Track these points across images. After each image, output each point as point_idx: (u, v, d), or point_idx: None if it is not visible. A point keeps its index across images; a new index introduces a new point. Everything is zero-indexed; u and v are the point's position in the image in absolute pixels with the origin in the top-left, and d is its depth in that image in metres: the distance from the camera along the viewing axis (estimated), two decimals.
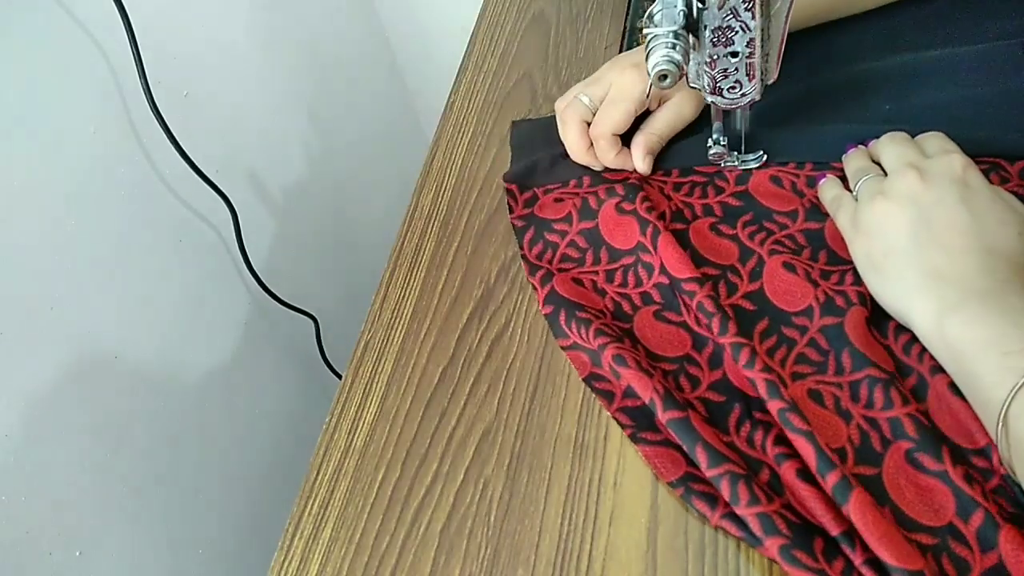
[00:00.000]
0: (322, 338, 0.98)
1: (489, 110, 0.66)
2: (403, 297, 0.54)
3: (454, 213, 0.59)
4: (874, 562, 0.34)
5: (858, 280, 0.44)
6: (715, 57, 0.45)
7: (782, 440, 0.39)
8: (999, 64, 0.52)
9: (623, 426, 0.43)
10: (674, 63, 0.43)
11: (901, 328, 0.42)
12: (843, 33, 0.59)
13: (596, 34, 0.71)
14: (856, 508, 0.35)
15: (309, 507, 0.45)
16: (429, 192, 0.61)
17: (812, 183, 0.51)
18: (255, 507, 0.86)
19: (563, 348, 0.48)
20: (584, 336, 0.46)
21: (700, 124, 0.56)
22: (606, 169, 0.56)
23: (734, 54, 0.45)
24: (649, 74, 0.43)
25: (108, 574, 0.65)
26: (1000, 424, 0.34)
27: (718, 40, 0.44)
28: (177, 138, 0.71)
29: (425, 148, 0.65)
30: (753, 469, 0.39)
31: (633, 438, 0.42)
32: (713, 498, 0.39)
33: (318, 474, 0.47)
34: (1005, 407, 0.34)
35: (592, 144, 0.55)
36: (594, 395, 0.45)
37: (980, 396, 0.36)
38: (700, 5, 0.43)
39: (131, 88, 0.68)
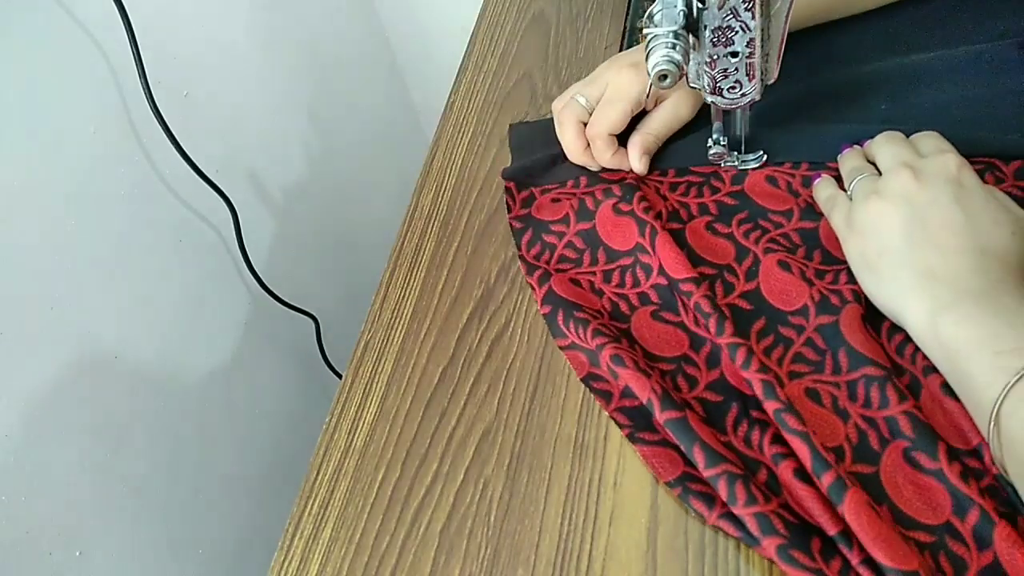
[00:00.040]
0: (322, 338, 0.98)
1: (489, 110, 0.66)
2: (403, 297, 0.54)
3: (454, 213, 0.59)
4: (871, 562, 0.35)
5: (852, 279, 0.44)
6: (715, 57, 0.45)
7: (779, 439, 0.39)
8: (996, 64, 0.52)
9: (621, 426, 0.43)
10: (674, 63, 0.43)
11: (894, 329, 0.42)
12: (841, 33, 0.59)
13: (596, 34, 0.71)
14: (851, 508, 0.35)
15: (309, 507, 0.45)
16: (429, 192, 0.61)
17: (807, 183, 0.51)
18: (255, 507, 0.86)
19: (561, 348, 0.48)
20: (582, 336, 0.46)
21: (696, 124, 0.56)
22: (603, 169, 0.56)
23: (734, 54, 0.45)
24: (649, 74, 0.43)
25: (108, 574, 0.65)
26: (992, 423, 0.34)
27: (718, 40, 0.44)
28: (177, 138, 0.71)
29: (425, 148, 0.65)
30: (751, 469, 0.39)
31: (631, 438, 0.42)
32: (711, 498, 0.39)
33: (318, 474, 0.47)
34: (997, 406, 0.34)
35: (589, 144, 0.55)
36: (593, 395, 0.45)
37: (973, 395, 0.36)
38: (700, 5, 0.43)
39: (131, 88, 0.68)
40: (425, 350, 0.51)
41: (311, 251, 1.01)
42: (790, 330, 0.44)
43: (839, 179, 0.48)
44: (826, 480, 0.36)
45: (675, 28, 0.43)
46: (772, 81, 0.47)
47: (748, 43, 0.44)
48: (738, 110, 0.49)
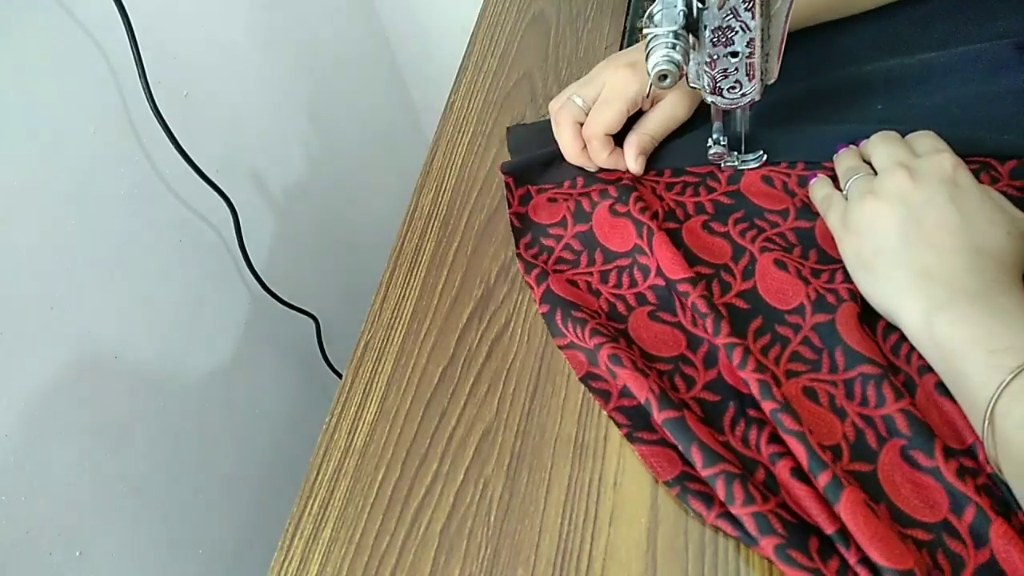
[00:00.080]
0: (322, 338, 0.98)
1: (489, 110, 0.66)
2: (403, 297, 0.54)
3: (454, 213, 0.59)
4: (868, 561, 0.35)
5: (848, 278, 0.44)
6: (715, 57, 0.45)
7: (776, 439, 0.40)
8: (992, 64, 0.52)
9: (619, 425, 0.43)
10: (674, 63, 0.43)
11: (889, 328, 0.42)
12: (841, 33, 0.59)
13: (596, 34, 0.71)
14: (847, 507, 0.35)
15: (309, 507, 0.45)
16: (429, 192, 0.61)
17: (803, 183, 0.51)
18: (255, 507, 0.86)
19: (560, 347, 0.48)
20: (580, 335, 0.46)
21: (693, 124, 0.56)
22: (600, 170, 0.56)
23: (734, 54, 0.45)
24: (649, 74, 0.43)
25: (108, 574, 0.65)
26: (986, 422, 0.35)
27: (718, 40, 0.44)
28: (177, 138, 0.71)
29: (425, 148, 0.65)
30: (748, 469, 0.40)
31: (629, 437, 0.42)
32: (709, 498, 0.39)
33: (318, 474, 0.47)
34: (992, 405, 0.34)
35: (586, 145, 0.55)
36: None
37: (968, 394, 0.36)
38: (700, 5, 0.43)
39: (131, 88, 0.68)
40: (425, 350, 0.51)
41: (311, 251, 1.01)
42: (787, 329, 0.44)
43: (835, 179, 0.48)
44: (822, 479, 0.36)
45: (675, 28, 0.43)
46: (772, 81, 0.47)
47: (748, 43, 0.44)
48: (738, 110, 0.49)
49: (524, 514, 0.42)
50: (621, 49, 0.68)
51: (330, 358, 1.00)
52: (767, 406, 0.40)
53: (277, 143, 0.95)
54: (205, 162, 0.75)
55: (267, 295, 0.87)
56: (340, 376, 0.52)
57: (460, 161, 0.63)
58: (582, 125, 0.55)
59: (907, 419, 0.38)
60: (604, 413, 0.44)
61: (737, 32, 0.44)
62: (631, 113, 0.54)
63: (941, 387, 0.39)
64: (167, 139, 0.70)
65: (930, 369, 0.39)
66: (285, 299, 0.89)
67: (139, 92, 0.68)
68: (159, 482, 0.72)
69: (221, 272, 0.83)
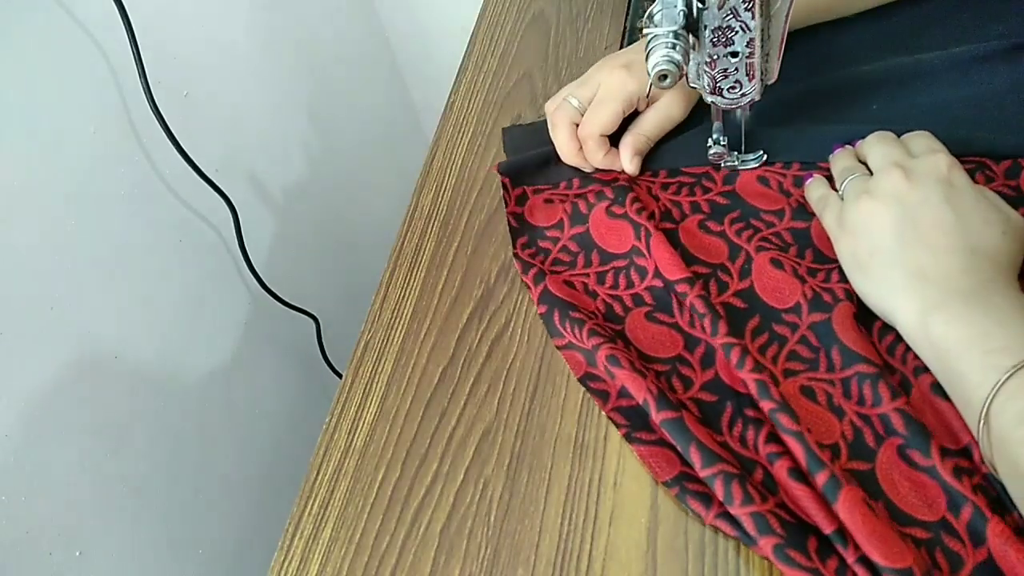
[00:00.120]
0: (322, 338, 0.98)
1: (489, 110, 0.66)
2: (403, 297, 0.54)
3: (454, 213, 0.59)
4: (866, 560, 0.35)
5: (844, 278, 0.44)
6: (715, 57, 0.45)
7: (774, 438, 0.40)
8: (988, 64, 0.52)
9: (618, 425, 0.43)
10: (674, 63, 0.43)
11: (885, 329, 0.43)
12: (838, 34, 0.59)
13: (596, 34, 0.71)
14: (845, 506, 0.35)
15: (309, 507, 0.45)
16: (429, 192, 0.61)
17: (799, 183, 0.51)
18: (255, 507, 0.86)
19: (558, 348, 0.48)
20: (578, 336, 0.46)
21: (688, 124, 0.56)
22: (596, 170, 0.56)
23: (734, 54, 0.45)
24: (649, 74, 0.43)
25: (108, 574, 0.65)
26: (982, 421, 0.35)
27: (718, 40, 0.44)
28: (177, 138, 0.71)
29: (425, 148, 0.65)
30: (747, 469, 0.40)
31: (628, 437, 0.42)
32: (707, 497, 0.39)
33: (318, 474, 0.47)
34: (987, 404, 0.34)
35: (582, 146, 0.55)
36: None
37: (963, 394, 0.36)
38: (700, 5, 0.43)
39: (131, 88, 0.68)
40: (425, 350, 0.51)
41: (311, 251, 1.01)
42: (784, 328, 0.44)
43: (831, 179, 0.48)
44: (821, 478, 0.36)
45: (675, 28, 0.43)
46: (772, 81, 0.47)
47: (748, 43, 0.44)
48: (738, 110, 0.49)
49: (524, 514, 0.42)
50: (621, 49, 0.68)
51: (330, 358, 1.00)
52: (765, 405, 0.40)
53: (277, 143, 0.95)
54: (205, 162, 0.75)
55: (267, 295, 0.87)
56: (340, 376, 0.52)
57: (460, 161, 0.63)
58: (578, 126, 0.55)
59: (903, 418, 0.38)
60: (604, 413, 0.44)
61: (737, 32, 0.44)
62: (627, 114, 0.54)
63: (937, 387, 0.39)
64: (167, 139, 0.70)
65: (926, 369, 0.40)
66: (285, 299, 0.89)
67: (139, 92, 0.68)
68: (159, 482, 0.72)
69: (221, 272, 0.83)
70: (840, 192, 0.46)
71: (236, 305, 0.86)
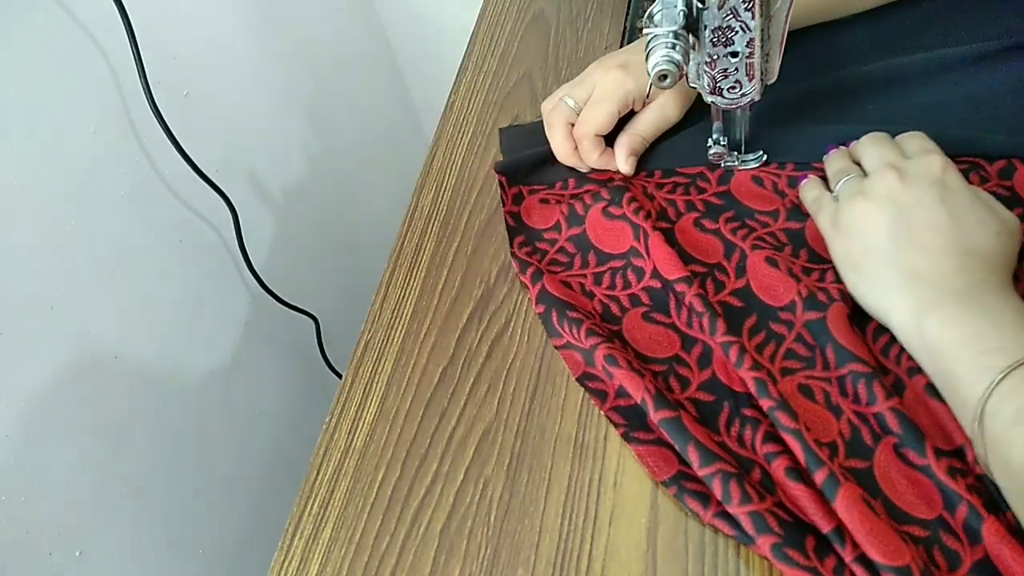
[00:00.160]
0: (322, 338, 0.98)
1: (489, 110, 0.66)
2: (403, 297, 0.54)
3: (454, 213, 0.59)
4: (864, 559, 0.35)
5: (839, 278, 0.44)
6: (715, 57, 0.45)
7: (771, 438, 0.40)
8: (986, 64, 0.52)
9: (616, 425, 0.43)
10: (674, 63, 0.43)
11: (879, 330, 0.43)
12: (837, 34, 0.59)
13: (596, 34, 0.71)
14: (843, 504, 0.35)
15: (309, 507, 0.45)
16: (429, 192, 0.61)
17: (793, 183, 0.51)
18: (255, 507, 0.86)
19: (557, 347, 0.48)
20: (576, 335, 0.46)
21: (683, 125, 0.57)
22: (592, 170, 0.56)
23: (734, 54, 0.45)
24: (649, 74, 0.43)
25: (108, 574, 0.65)
26: (976, 422, 0.35)
27: (718, 40, 0.44)
28: (177, 138, 0.71)
29: (425, 148, 0.65)
30: (745, 468, 0.40)
31: (626, 437, 0.42)
32: (706, 497, 0.39)
33: (318, 474, 0.47)
34: (981, 405, 0.34)
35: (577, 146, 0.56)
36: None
37: (957, 394, 0.36)
38: (700, 5, 0.43)
39: (131, 88, 0.68)
40: (425, 350, 0.51)
41: (311, 251, 1.01)
42: (781, 326, 0.45)
43: (825, 179, 0.48)
44: (819, 476, 0.37)
45: (675, 28, 0.43)
46: (772, 81, 0.47)
47: (748, 43, 0.44)
48: (738, 110, 0.49)
49: (524, 514, 0.42)
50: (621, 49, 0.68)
51: (330, 358, 1.00)
52: (764, 404, 0.40)
53: (277, 143, 0.95)
54: (205, 162, 0.75)
55: (267, 295, 0.87)
56: (340, 376, 0.52)
57: (460, 161, 0.63)
58: (574, 126, 0.55)
59: (898, 417, 0.38)
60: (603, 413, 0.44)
61: (737, 32, 0.44)
62: (622, 114, 0.54)
63: (930, 388, 0.39)
64: (167, 139, 0.70)
65: (920, 370, 0.40)
66: (285, 299, 0.89)
67: (139, 92, 0.68)
68: (159, 482, 0.72)
69: (221, 272, 0.83)
70: (835, 193, 0.46)
71: (236, 305, 0.86)
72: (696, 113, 0.56)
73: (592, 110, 0.54)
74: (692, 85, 0.48)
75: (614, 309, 0.48)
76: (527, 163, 0.58)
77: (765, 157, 0.53)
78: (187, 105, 0.78)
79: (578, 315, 0.47)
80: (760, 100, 0.48)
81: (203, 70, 0.80)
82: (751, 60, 0.45)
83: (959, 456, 0.37)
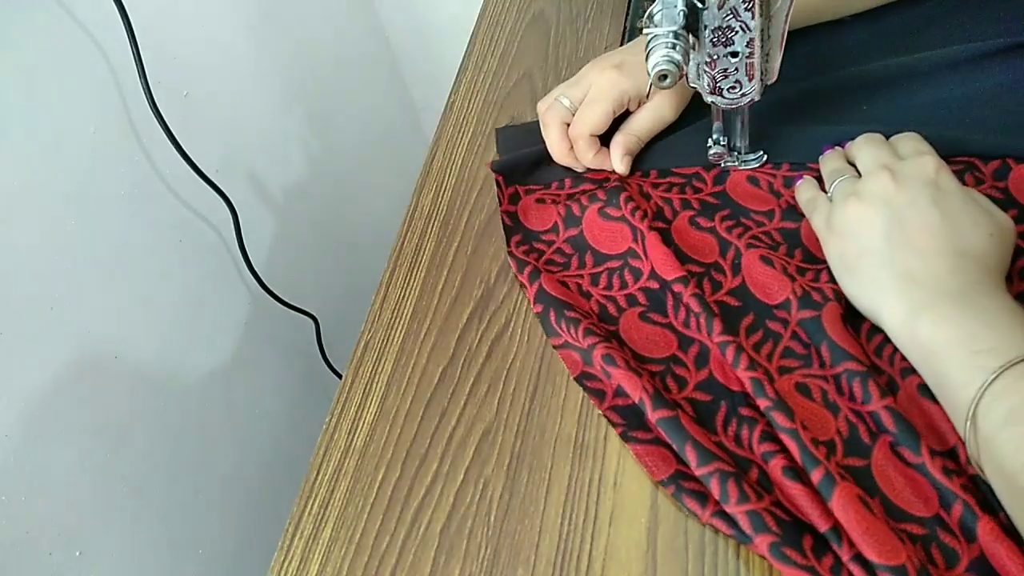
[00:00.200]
0: (322, 338, 0.98)
1: (489, 110, 0.66)
2: (403, 297, 0.54)
3: (454, 213, 0.59)
4: (861, 558, 0.35)
5: (833, 279, 0.44)
6: (715, 57, 0.45)
7: (768, 437, 0.40)
8: (985, 64, 0.52)
9: (614, 424, 0.43)
10: (674, 63, 0.43)
11: (873, 330, 0.43)
12: (836, 34, 0.59)
13: (596, 34, 0.71)
14: (839, 503, 0.36)
15: (309, 507, 0.45)
16: (429, 192, 0.61)
17: (789, 184, 0.51)
18: (255, 507, 0.86)
19: (555, 347, 0.48)
20: (574, 335, 0.46)
21: (679, 125, 0.57)
22: (587, 170, 0.56)
23: (734, 54, 0.45)
24: (649, 74, 0.43)
25: (108, 574, 0.65)
26: (968, 422, 0.35)
27: (718, 40, 0.44)
28: (177, 138, 0.71)
29: (425, 148, 0.65)
30: (742, 467, 0.40)
31: (624, 436, 0.43)
32: (703, 496, 0.39)
33: (318, 474, 0.47)
34: (974, 405, 0.34)
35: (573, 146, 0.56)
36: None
37: (950, 395, 0.37)
38: (700, 5, 0.43)
39: (131, 88, 0.68)
40: (425, 350, 0.51)
41: (311, 251, 1.01)
42: (777, 324, 0.45)
43: (821, 179, 0.48)
44: (816, 476, 0.37)
45: (675, 28, 0.43)
46: (772, 81, 0.47)
47: (748, 43, 0.44)
48: (738, 110, 0.49)
49: (524, 514, 0.42)
50: None
51: (330, 358, 1.00)
52: (761, 403, 0.40)
53: (277, 143, 0.95)
54: (205, 162, 0.75)
55: (267, 295, 0.87)
56: (340, 376, 0.52)
57: (460, 161, 0.63)
58: (569, 126, 0.55)
59: (893, 416, 0.39)
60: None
61: (737, 32, 0.44)
62: (617, 114, 0.54)
63: (924, 389, 0.39)
64: (167, 139, 0.70)
65: (913, 371, 0.40)
66: (285, 299, 0.89)
67: (139, 92, 0.68)
68: (159, 482, 0.72)
69: (221, 272, 0.83)
70: (829, 194, 0.46)
71: (236, 305, 0.86)
72: (692, 113, 0.57)
73: (587, 110, 0.54)
74: (692, 85, 0.48)
75: (611, 309, 0.49)
76: (524, 162, 0.58)
77: (765, 157, 0.53)
78: (187, 105, 0.78)
79: (576, 315, 0.47)
80: (760, 100, 0.48)
81: (203, 70, 0.80)
82: (751, 60, 0.45)
83: (952, 457, 0.38)
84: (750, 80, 0.46)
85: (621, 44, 0.69)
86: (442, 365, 0.49)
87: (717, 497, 0.38)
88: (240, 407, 0.85)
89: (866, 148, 0.46)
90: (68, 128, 0.64)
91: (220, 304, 0.83)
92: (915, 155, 0.43)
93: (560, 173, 0.57)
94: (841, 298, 0.43)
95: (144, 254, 0.72)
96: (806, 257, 0.47)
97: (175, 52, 0.76)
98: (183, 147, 0.72)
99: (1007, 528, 0.35)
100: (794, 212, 0.49)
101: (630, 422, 0.43)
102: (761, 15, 0.43)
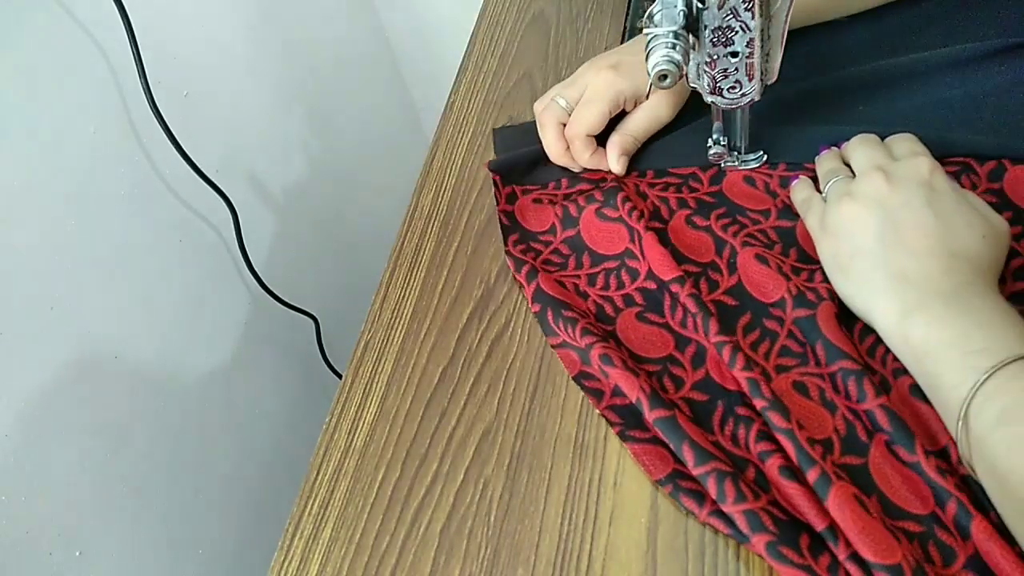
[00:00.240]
0: (322, 338, 0.98)
1: (489, 110, 0.66)
2: (403, 297, 0.54)
3: (454, 213, 0.59)
4: (857, 557, 0.35)
5: (827, 279, 0.44)
6: (715, 57, 0.45)
7: (764, 436, 0.40)
8: (984, 64, 0.52)
9: (612, 424, 0.43)
10: (674, 63, 0.43)
11: (865, 331, 0.43)
12: (836, 34, 0.59)
13: (596, 34, 0.71)
14: (835, 502, 0.36)
15: (309, 507, 0.45)
16: (429, 192, 0.61)
17: (785, 183, 0.51)
18: (255, 507, 0.86)
19: (553, 346, 0.48)
20: (572, 334, 0.47)
21: (675, 125, 0.57)
22: (584, 170, 0.56)
23: (734, 54, 0.45)
24: (649, 74, 0.43)
25: (108, 574, 0.65)
26: (960, 422, 0.35)
27: (718, 40, 0.44)
28: (177, 138, 0.71)
29: (425, 148, 0.65)
30: (739, 467, 0.40)
31: (622, 436, 0.43)
32: (701, 495, 0.39)
33: (318, 474, 0.47)
34: (966, 405, 0.35)
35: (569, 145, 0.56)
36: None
37: (942, 395, 0.37)
38: (700, 5, 0.43)
39: (131, 88, 0.68)
40: (425, 350, 0.51)
41: (311, 251, 1.01)
42: (773, 322, 0.45)
43: (816, 180, 0.48)
44: (811, 475, 0.37)
45: (675, 28, 0.43)
46: (772, 81, 0.47)
47: (748, 43, 0.44)
48: (738, 110, 0.49)
49: (524, 514, 0.42)
50: None
51: (330, 358, 1.00)
52: (758, 403, 0.40)
53: (277, 143, 0.95)
54: (205, 162, 0.75)
55: (267, 295, 0.87)
56: (340, 376, 0.52)
57: (460, 161, 0.63)
58: (566, 126, 0.55)
59: (887, 415, 0.39)
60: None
61: (737, 32, 0.44)
62: (613, 114, 0.55)
63: (916, 389, 0.39)
64: (167, 139, 0.70)
65: (905, 371, 0.40)
66: (285, 299, 0.89)
67: (139, 92, 0.68)
68: (159, 482, 0.72)
69: (221, 272, 0.83)
70: (824, 194, 0.46)
71: (236, 305, 0.86)
72: (688, 113, 0.57)
73: (583, 110, 0.54)
74: (692, 85, 0.48)
75: (608, 309, 0.49)
76: (521, 162, 0.58)
77: (765, 157, 0.53)
78: (187, 105, 0.78)
79: (573, 314, 0.47)
80: (760, 100, 0.48)
81: (203, 70, 0.80)
82: (751, 60, 0.45)
83: (944, 457, 0.38)
84: (750, 80, 0.46)
85: (621, 44, 0.69)
86: (442, 365, 0.49)
87: (714, 496, 0.38)
88: (240, 407, 0.85)
89: (861, 149, 0.46)
90: (68, 128, 0.64)
91: (220, 304, 0.83)
92: (909, 156, 0.44)
93: (557, 173, 0.57)
94: (835, 298, 0.44)
95: (144, 254, 0.72)
96: (801, 257, 0.47)
97: (175, 52, 0.76)
98: (183, 147, 0.72)
99: (1000, 527, 0.35)
100: (790, 212, 0.49)
101: (627, 421, 0.43)
102: (761, 15, 0.43)
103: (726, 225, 0.49)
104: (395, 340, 0.52)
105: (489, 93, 0.68)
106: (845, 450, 0.39)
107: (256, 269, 0.84)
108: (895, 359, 0.40)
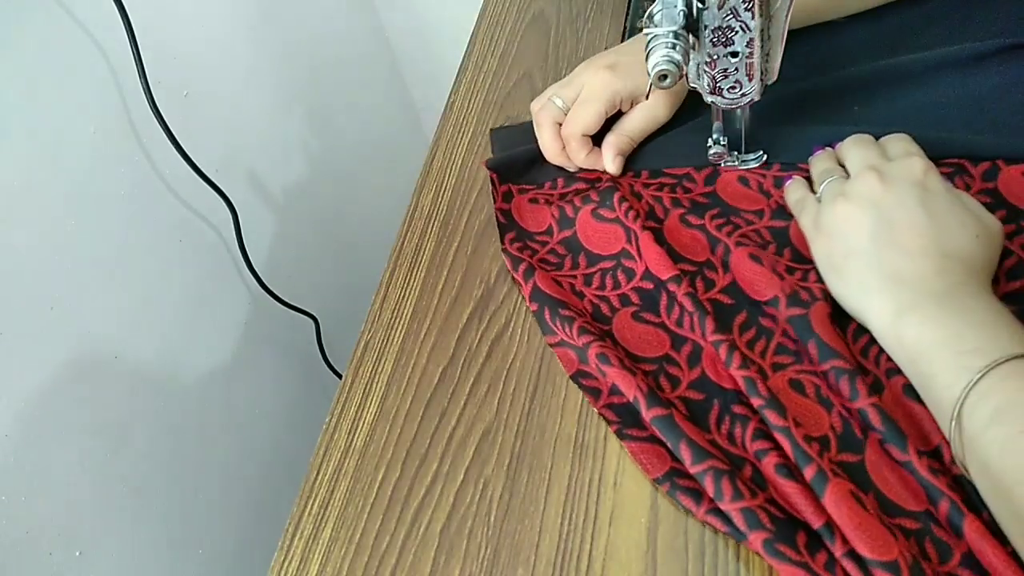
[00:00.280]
0: (322, 338, 0.98)
1: (489, 110, 0.66)
2: (403, 297, 0.54)
3: (454, 213, 0.59)
4: (854, 554, 0.35)
5: (821, 279, 0.44)
6: (715, 57, 0.45)
7: (761, 435, 0.40)
8: (983, 64, 0.52)
9: (609, 422, 0.43)
10: (674, 63, 0.43)
11: (859, 331, 0.43)
12: (836, 34, 0.59)
13: (596, 34, 0.71)
14: (831, 500, 0.36)
15: (309, 507, 0.45)
16: (429, 192, 0.61)
17: (779, 184, 0.51)
18: (255, 507, 0.86)
19: (551, 345, 0.48)
20: (569, 333, 0.47)
21: (671, 125, 0.57)
22: (580, 170, 0.57)
23: (734, 54, 0.45)
24: (649, 74, 0.43)
25: (108, 574, 0.65)
26: (953, 422, 0.35)
27: (718, 40, 0.44)
28: (177, 138, 0.71)
29: (425, 148, 0.65)
30: (736, 465, 0.40)
31: (619, 434, 0.43)
32: (698, 494, 0.39)
33: (318, 474, 0.47)
34: (959, 405, 0.35)
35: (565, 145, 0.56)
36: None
37: (935, 395, 0.37)
38: (700, 5, 0.43)
39: (131, 88, 0.68)
40: (425, 350, 0.51)
41: (311, 251, 1.01)
42: (769, 321, 0.45)
43: (810, 180, 0.49)
44: (808, 473, 0.37)
45: (675, 28, 0.43)
46: (772, 81, 0.47)
47: (748, 43, 0.44)
48: (738, 110, 0.49)
49: (524, 514, 0.42)
50: None
51: (330, 358, 1.00)
52: (754, 402, 0.40)
53: (277, 143, 0.95)
54: (205, 162, 0.75)
55: (267, 295, 0.87)
56: (340, 376, 0.52)
57: (460, 161, 0.63)
58: (562, 125, 0.55)
59: (880, 414, 0.39)
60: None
61: (737, 32, 0.44)
62: (609, 114, 0.55)
63: (909, 389, 0.39)
64: (167, 139, 0.70)
65: (898, 371, 0.40)
66: (285, 299, 0.89)
67: (139, 92, 0.68)
68: (159, 482, 0.72)
69: (221, 272, 0.83)
70: (818, 194, 0.46)
71: (236, 305, 0.86)
72: (685, 114, 0.57)
73: (579, 110, 0.54)
74: (692, 85, 0.48)
75: (604, 309, 0.49)
76: (518, 161, 0.58)
77: (765, 157, 0.53)
78: (187, 105, 0.78)
79: (570, 313, 0.47)
80: (760, 100, 0.48)
81: (203, 70, 0.80)
82: (751, 60, 0.45)
83: (936, 457, 0.38)
84: (750, 80, 0.46)
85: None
86: (442, 365, 0.49)
87: (711, 495, 0.38)
88: (240, 407, 0.85)
89: (855, 149, 0.46)
90: (68, 128, 0.64)
91: (220, 304, 0.83)
92: (903, 156, 0.44)
93: (553, 172, 0.57)
94: (829, 297, 0.44)
95: (144, 254, 0.72)
96: (795, 256, 0.47)
97: (175, 52, 0.76)
98: (183, 147, 0.72)
99: (992, 526, 0.35)
100: (783, 212, 0.50)
101: (625, 420, 0.43)
102: (761, 15, 0.43)
103: (720, 225, 0.50)
104: (395, 340, 0.52)
105: (489, 93, 0.68)
106: (841, 447, 0.39)
107: (256, 269, 0.84)
108: (888, 359, 0.40)
